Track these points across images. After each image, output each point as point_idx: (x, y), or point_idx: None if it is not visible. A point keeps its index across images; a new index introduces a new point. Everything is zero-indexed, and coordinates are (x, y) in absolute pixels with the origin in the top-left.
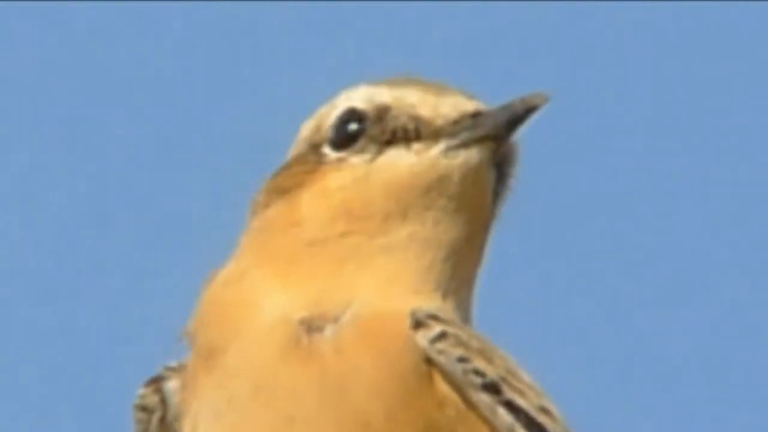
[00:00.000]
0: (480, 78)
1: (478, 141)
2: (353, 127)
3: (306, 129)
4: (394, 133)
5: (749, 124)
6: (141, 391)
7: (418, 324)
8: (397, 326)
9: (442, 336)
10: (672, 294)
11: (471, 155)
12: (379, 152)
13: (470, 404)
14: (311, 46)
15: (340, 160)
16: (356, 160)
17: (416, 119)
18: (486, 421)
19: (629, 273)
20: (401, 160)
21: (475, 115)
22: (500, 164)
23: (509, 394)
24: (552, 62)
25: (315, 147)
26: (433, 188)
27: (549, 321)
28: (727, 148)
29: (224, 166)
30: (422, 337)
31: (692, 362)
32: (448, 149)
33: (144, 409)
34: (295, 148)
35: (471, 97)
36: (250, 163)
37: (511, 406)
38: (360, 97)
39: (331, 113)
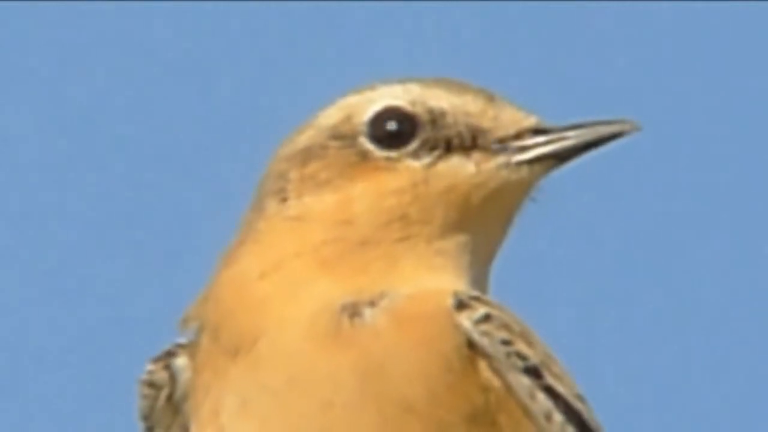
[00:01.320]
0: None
1: (543, 159)
2: (392, 125)
3: (329, 117)
4: (449, 140)
5: None
6: (149, 366)
7: (461, 305)
8: (438, 307)
9: (486, 318)
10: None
11: (533, 172)
12: (439, 158)
13: (509, 389)
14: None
15: (390, 160)
16: (414, 164)
17: (474, 129)
18: (522, 406)
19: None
20: (462, 169)
21: (536, 131)
22: None
23: (549, 379)
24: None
25: (342, 138)
26: (490, 200)
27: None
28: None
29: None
30: (465, 319)
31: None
32: (509, 163)
33: (152, 385)
34: (314, 135)
35: (525, 109)
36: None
37: (550, 391)
38: (409, 98)
39: (366, 107)
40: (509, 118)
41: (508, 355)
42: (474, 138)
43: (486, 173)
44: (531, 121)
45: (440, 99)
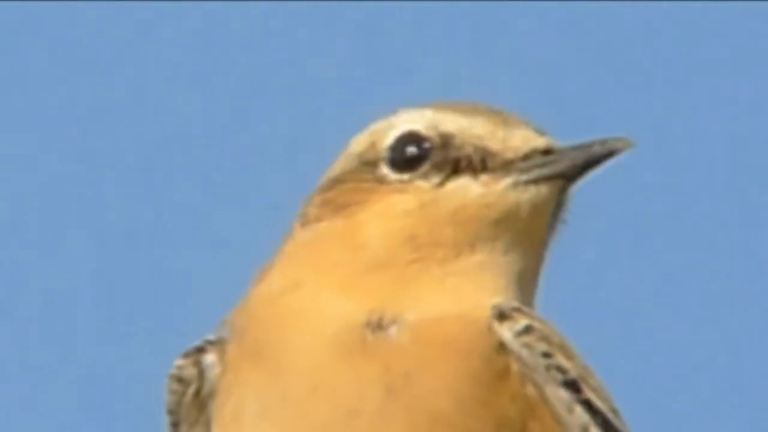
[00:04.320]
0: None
1: (549, 178)
2: (412, 150)
3: (358, 144)
4: (457, 162)
5: None
6: (178, 362)
7: (502, 316)
8: (468, 319)
9: (528, 330)
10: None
11: (540, 191)
12: (446, 179)
13: (543, 400)
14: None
15: (402, 183)
16: (423, 184)
17: (483, 151)
18: (556, 418)
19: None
20: (469, 190)
21: (546, 152)
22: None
23: (588, 393)
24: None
25: (368, 164)
26: (501, 221)
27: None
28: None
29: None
30: (507, 330)
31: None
32: (517, 183)
33: (180, 380)
34: (345, 162)
35: (540, 131)
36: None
37: (588, 405)
38: (424, 122)
39: (388, 132)
40: (519, 139)
41: (548, 368)
42: (483, 160)
43: (494, 194)
44: (541, 142)
45: (449, 122)
